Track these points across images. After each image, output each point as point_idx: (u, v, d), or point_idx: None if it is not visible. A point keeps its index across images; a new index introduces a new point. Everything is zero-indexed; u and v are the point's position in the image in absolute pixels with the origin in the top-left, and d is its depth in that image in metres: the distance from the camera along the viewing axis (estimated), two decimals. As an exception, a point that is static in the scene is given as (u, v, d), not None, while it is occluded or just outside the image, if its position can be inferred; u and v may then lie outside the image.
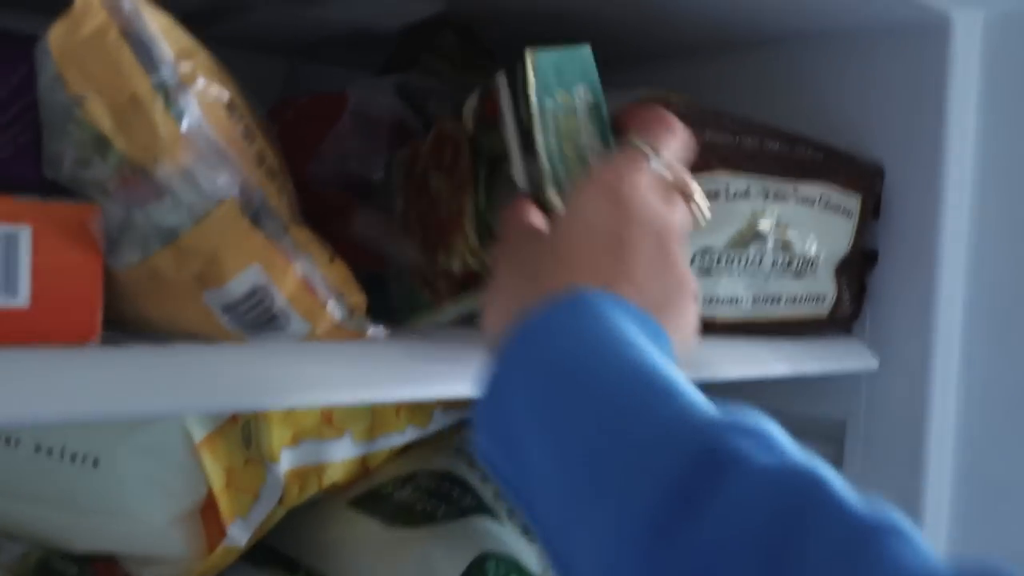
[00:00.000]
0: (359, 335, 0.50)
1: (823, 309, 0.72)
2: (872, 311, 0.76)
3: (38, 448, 0.50)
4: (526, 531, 0.67)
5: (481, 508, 0.66)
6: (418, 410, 0.69)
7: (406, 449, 0.71)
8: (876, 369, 0.75)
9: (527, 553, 0.64)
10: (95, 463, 0.49)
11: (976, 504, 0.74)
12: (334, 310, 0.49)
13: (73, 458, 0.49)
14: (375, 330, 0.51)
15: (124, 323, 0.47)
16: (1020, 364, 0.72)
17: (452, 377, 0.50)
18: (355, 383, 0.47)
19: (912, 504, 0.74)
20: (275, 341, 0.47)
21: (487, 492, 0.69)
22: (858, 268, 0.74)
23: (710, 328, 0.65)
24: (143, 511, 0.49)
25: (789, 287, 0.68)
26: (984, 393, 0.74)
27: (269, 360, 0.45)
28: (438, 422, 0.76)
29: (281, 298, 0.46)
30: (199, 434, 0.49)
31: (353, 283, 0.50)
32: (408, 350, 0.50)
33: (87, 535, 0.51)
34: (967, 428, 0.74)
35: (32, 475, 0.50)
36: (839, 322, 0.74)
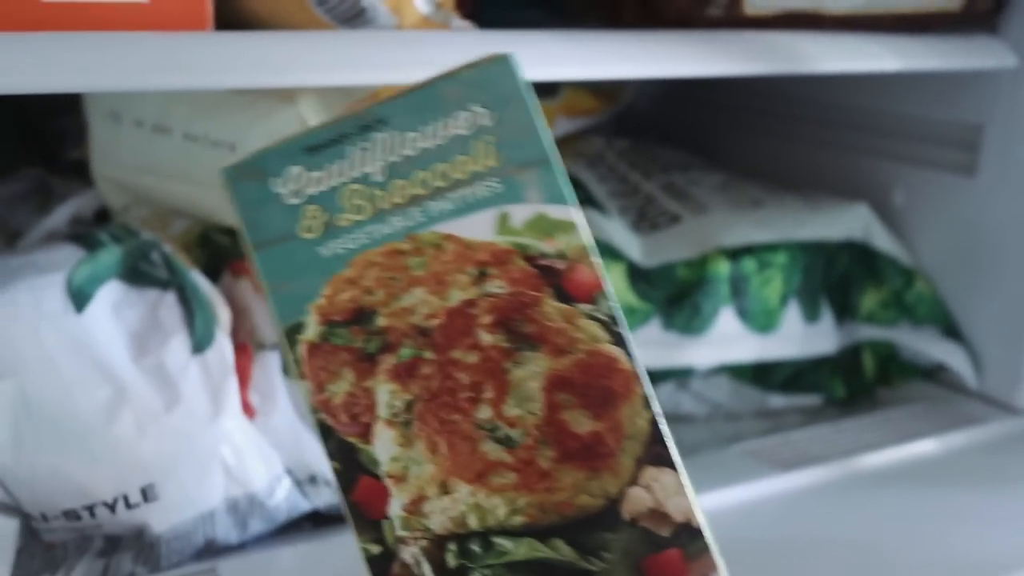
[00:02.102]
0: (444, 26, 0.54)
1: (954, 3, 0.68)
2: (1018, 6, 0.72)
3: (186, 136, 0.58)
4: (634, 226, 0.72)
5: (590, 202, 0.71)
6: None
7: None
8: (1016, 68, 0.72)
9: (628, 244, 0.69)
10: (232, 148, 0.57)
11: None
12: (420, 3, 0.53)
13: (215, 144, 0.57)
14: (460, 22, 0.54)
15: (238, 27, 0.53)
16: None
17: (534, 61, 0.53)
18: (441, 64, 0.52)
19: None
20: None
21: (601, 191, 0.73)
22: (1003, -43, 0.69)
23: (817, 22, 0.64)
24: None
25: (912, -22, 0.65)
26: None
27: (361, 43, 0.50)
28: (562, 127, 0.80)
29: (368, -10, 0.51)
30: (314, 121, 0.55)
31: (439, -23, 0.54)
32: (490, 37, 0.54)
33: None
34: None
35: (184, 159, 0.59)
36: (977, 17, 0.70)
